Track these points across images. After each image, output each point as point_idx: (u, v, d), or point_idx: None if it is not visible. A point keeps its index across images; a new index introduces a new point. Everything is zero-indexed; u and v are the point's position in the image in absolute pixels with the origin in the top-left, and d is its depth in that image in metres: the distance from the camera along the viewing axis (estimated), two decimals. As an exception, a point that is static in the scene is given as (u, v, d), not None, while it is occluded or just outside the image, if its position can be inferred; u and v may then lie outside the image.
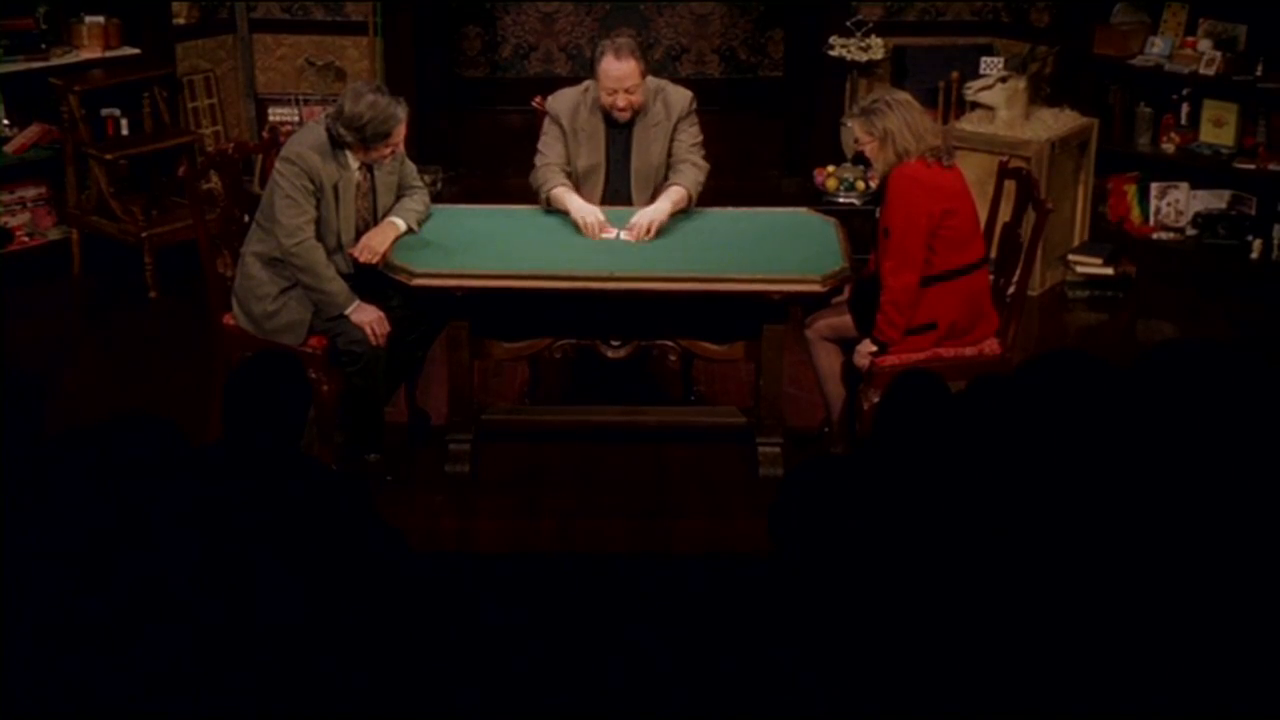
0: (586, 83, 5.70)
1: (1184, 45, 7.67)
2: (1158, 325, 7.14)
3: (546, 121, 5.73)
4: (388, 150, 5.29)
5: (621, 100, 5.55)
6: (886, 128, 5.15)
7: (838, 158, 7.87)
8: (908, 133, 5.14)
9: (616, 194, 5.73)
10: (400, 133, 5.27)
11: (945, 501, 3.43)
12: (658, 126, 5.66)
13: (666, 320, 5.50)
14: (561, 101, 5.70)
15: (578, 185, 5.67)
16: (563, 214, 5.59)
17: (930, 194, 5.14)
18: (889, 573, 3.34)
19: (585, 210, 5.53)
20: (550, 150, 5.68)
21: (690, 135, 5.69)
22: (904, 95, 5.29)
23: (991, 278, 5.46)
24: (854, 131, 5.37)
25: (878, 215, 5.34)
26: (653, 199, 5.64)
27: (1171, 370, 3.73)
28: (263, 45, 8.20)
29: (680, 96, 5.70)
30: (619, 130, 5.66)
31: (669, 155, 5.68)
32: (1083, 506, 3.40)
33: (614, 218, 5.55)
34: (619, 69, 5.51)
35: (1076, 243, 7.52)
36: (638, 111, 5.62)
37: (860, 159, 7.05)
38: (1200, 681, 3.17)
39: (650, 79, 5.65)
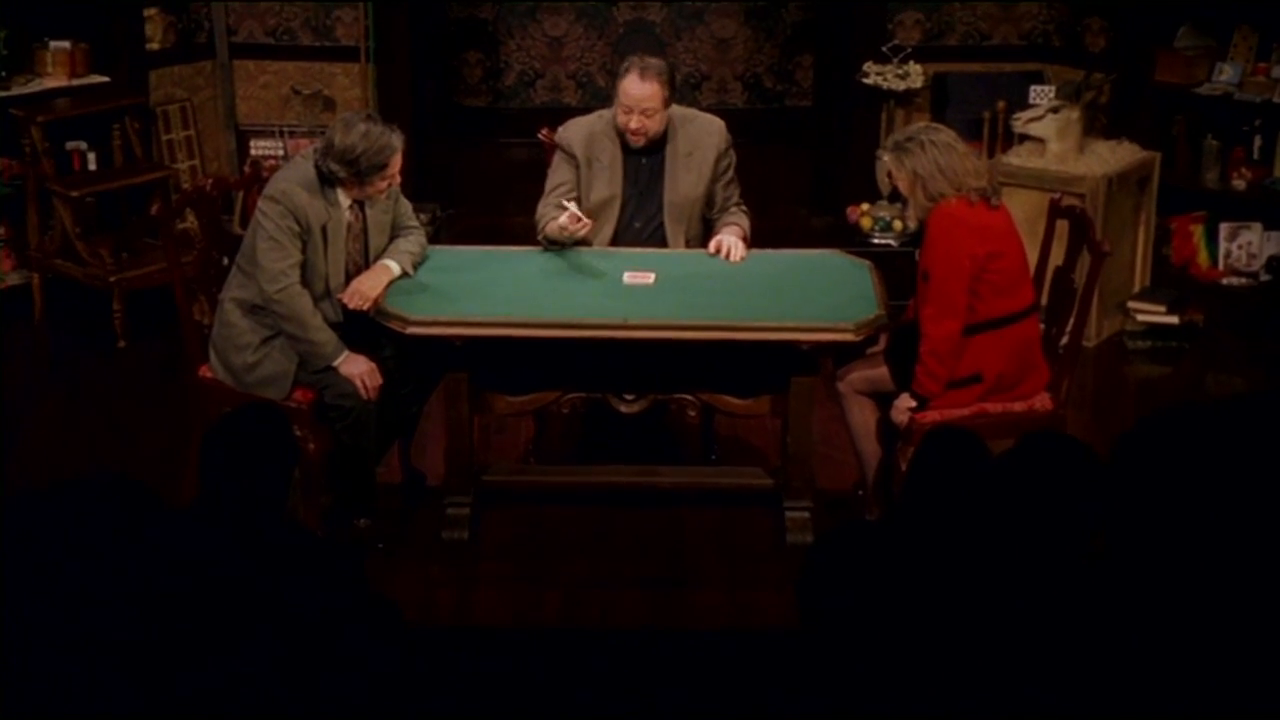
0: (600, 111, 5.79)
1: (1255, 72, 7.72)
2: (1226, 379, 7.12)
3: (556, 157, 5.79)
4: (384, 184, 5.33)
5: (635, 122, 5.61)
6: (915, 170, 5.16)
7: (872, 194, 7.90)
8: (940, 178, 5.13)
9: (629, 229, 5.78)
10: (397, 163, 5.31)
11: (984, 572, 3.44)
12: (690, 157, 5.72)
13: (685, 372, 5.52)
14: (574, 131, 5.77)
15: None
16: (569, 255, 5.64)
17: (974, 234, 5.15)
18: (926, 650, 3.35)
19: (561, 220, 5.58)
20: (555, 185, 5.74)
21: (729, 176, 5.81)
22: (946, 135, 5.24)
23: (1042, 326, 5.47)
24: (888, 165, 5.41)
25: (917, 257, 5.37)
26: (702, 236, 5.78)
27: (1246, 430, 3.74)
28: (244, 72, 8.28)
29: (714, 128, 5.79)
30: (642, 160, 5.72)
31: (710, 194, 5.77)
32: (1133, 583, 3.40)
33: (626, 261, 5.61)
34: (640, 90, 5.59)
35: (1137, 288, 7.53)
36: (655, 140, 5.68)
37: (897, 196, 7.09)
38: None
39: (676, 108, 5.74)
